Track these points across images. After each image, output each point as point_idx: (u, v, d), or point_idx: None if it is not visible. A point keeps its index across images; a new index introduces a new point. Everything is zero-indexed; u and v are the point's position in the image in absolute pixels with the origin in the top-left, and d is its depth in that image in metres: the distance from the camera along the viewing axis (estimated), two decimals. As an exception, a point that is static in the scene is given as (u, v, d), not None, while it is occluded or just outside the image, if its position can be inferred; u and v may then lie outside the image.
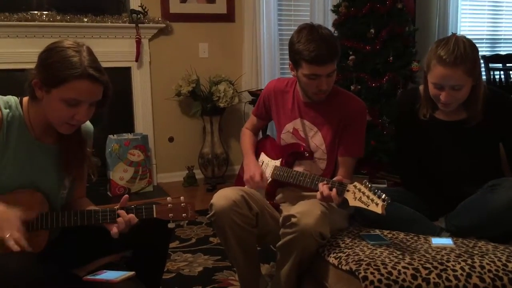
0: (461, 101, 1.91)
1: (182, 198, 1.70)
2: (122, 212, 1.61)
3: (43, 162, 1.63)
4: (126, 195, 1.66)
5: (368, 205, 1.72)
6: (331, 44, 1.94)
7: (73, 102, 1.52)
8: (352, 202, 1.78)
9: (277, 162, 2.16)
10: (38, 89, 1.53)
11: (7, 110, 1.58)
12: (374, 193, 1.71)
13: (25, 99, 1.62)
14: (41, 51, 1.56)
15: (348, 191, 1.79)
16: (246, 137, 2.37)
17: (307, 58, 1.92)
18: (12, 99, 1.62)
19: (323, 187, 1.83)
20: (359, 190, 1.76)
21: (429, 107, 2.00)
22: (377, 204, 1.69)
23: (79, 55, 1.51)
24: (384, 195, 1.69)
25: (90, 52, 1.56)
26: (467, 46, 1.84)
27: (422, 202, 2.06)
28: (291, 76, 2.13)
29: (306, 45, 1.92)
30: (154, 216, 1.64)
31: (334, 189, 1.81)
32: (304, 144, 2.13)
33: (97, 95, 1.56)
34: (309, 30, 1.95)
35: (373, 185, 1.76)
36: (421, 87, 2.04)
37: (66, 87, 1.49)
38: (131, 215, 1.61)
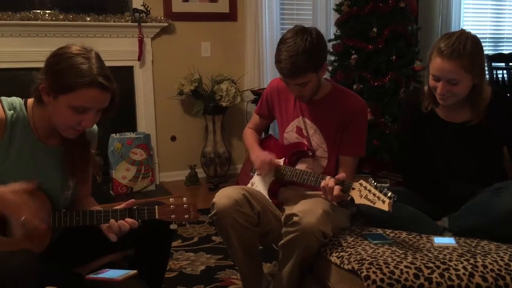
0: (459, 97, 1.91)
1: (185, 199, 1.69)
2: (115, 222, 1.61)
3: (47, 164, 1.63)
4: (133, 200, 1.66)
5: (375, 203, 1.72)
6: (299, 60, 1.88)
7: (81, 109, 1.51)
8: (358, 200, 1.78)
9: (280, 161, 2.16)
10: (45, 94, 1.53)
11: (11, 112, 1.58)
12: (380, 191, 1.71)
13: (30, 100, 1.62)
14: (49, 56, 1.55)
15: (353, 189, 1.79)
16: (249, 134, 2.37)
17: (276, 66, 1.95)
18: (17, 101, 1.62)
19: (329, 180, 1.83)
20: (365, 188, 1.76)
21: (431, 101, 2.00)
22: (383, 202, 1.69)
23: (89, 63, 1.50)
24: (390, 192, 1.69)
25: (99, 58, 1.55)
26: (470, 43, 1.83)
27: (425, 201, 2.06)
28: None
29: (279, 54, 1.93)
30: (156, 217, 1.64)
31: (338, 186, 1.81)
32: (307, 143, 2.13)
33: (105, 102, 1.56)
34: (289, 38, 1.93)
35: (383, 185, 1.76)
36: (425, 87, 2.04)
37: (75, 95, 1.49)
38: (131, 221, 1.60)
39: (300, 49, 1.89)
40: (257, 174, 2.24)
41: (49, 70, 1.52)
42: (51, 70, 1.52)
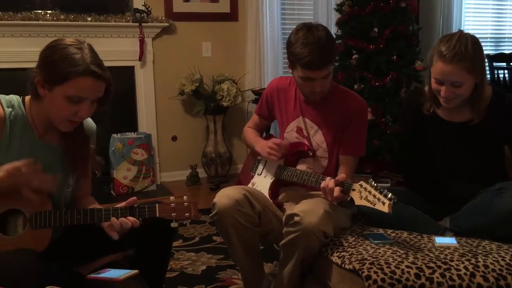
0: (463, 98, 1.91)
1: (185, 197, 1.70)
2: (117, 220, 1.60)
3: (47, 161, 1.63)
4: (135, 197, 1.67)
5: (375, 204, 1.71)
6: (325, 49, 1.92)
7: (76, 99, 1.52)
8: (358, 201, 1.77)
9: (281, 161, 2.16)
10: (41, 87, 1.54)
11: (10, 109, 1.58)
12: (380, 192, 1.71)
13: (27, 98, 1.63)
14: (43, 49, 1.57)
15: (354, 190, 1.79)
16: (249, 132, 2.36)
17: (301, 62, 1.92)
18: (15, 98, 1.62)
19: (329, 181, 1.83)
20: (365, 189, 1.75)
21: (433, 103, 2.00)
22: (383, 203, 1.69)
23: (81, 52, 1.52)
24: (390, 194, 1.69)
25: (91, 49, 1.57)
26: (470, 44, 1.83)
27: (426, 201, 2.06)
28: (293, 74, 2.14)
29: (301, 49, 1.91)
30: (157, 215, 1.64)
31: (338, 187, 1.81)
32: (307, 143, 2.13)
33: (100, 92, 1.57)
34: (306, 33, 1.94)
35: (379, 184, 1.76)
36: (426, 88, 2.04)
37: (69, 84, 1.50)
38: (132, 219, 1.61)
39: (323, 39, 1.92)
40: (260, 173, 2.23)
41: (43, 63, 1.54)
42: (45, 62, 1.53)
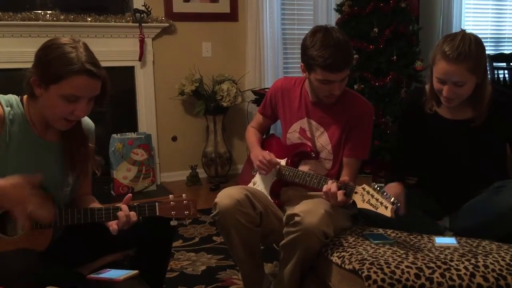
0: (464, 97, 1.91)
1: (184, 195, 1.70)
2: (124, 206, 1.61)
3: (46, 159, 1.63)
4: (130, 194, 1.67)
5: (377, 208, 1.71)
6: (346, 51, 1.93)
7: (72, 98, 1.52)
8: (360, 204, 1.77)
9: (283, 162, 2.15)
10: (37, 86, 1.54)
11: (9, 108, 1.58)
12: (383, 196, 1.70)
13: (25, 97, 1.63)
14: (38, 49, 1.57)
15: (356, 193, 1.79)
16: (251, 133, 2.36)
17: (322, 65, 1.90)
18: (13, 98, 1.63)
19: (332, 184, 1.83)
20: (368, 192, 1.75)
21: (434, 101, 2.00)
22: (386, 207, 1.68)
23: (76, 51, 1.52)
24: (393, 198, 1.68)
25: (86, 47, 1.57)
26: (473, 44, 1.83)
27: (425, 201, 2.06)
28: (295, 75, 2.12)
29: (321, 51, 1.90)
30: (157, 214, 1.64)
31: (341, 190, 1.81)
32: (310, 144, 2.13)
33: (95, 90, 1.56)
34: (324, 34, 1.93)
35: (379, 184, 1.75)
36: (427, 86, 2.04)
37: (65, 83, 1.50)
38: (132, 212, 1.61)
39: (342, 41, 1.93)
40: (259, 173, 2.24)
41: (38, 63, 1.54)
42: (40, 62, 1.53)
